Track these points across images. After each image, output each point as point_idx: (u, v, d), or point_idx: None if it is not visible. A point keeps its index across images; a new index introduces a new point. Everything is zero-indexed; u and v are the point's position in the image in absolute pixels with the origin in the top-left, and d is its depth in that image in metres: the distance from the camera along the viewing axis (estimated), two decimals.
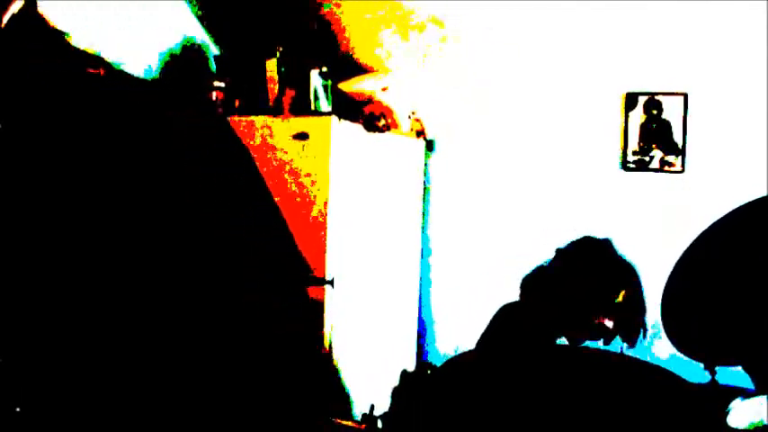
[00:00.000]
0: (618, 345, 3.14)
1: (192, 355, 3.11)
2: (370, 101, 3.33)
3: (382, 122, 3.24)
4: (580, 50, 3.26)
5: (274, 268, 3.04)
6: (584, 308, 2.05)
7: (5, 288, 2.49)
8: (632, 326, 2.08)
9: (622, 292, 2.07)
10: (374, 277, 3.25)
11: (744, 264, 1.52)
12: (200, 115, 3.25)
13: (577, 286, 2.07)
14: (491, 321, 2.19)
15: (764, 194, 1.55)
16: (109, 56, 3.09)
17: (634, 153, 3.19)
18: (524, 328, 2.08)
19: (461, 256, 3.56)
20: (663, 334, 1.69)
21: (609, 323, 2.06)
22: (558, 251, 2.16)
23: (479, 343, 2.18)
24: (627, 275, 2.10)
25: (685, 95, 3.10)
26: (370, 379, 3.15)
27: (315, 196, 2.95)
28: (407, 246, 3.52)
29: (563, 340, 2.20)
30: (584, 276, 2.08)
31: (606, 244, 2.14)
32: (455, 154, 3.57)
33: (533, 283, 2.18)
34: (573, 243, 2.17)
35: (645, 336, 2.08)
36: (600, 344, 2.11)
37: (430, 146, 3.60)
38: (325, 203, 2.93)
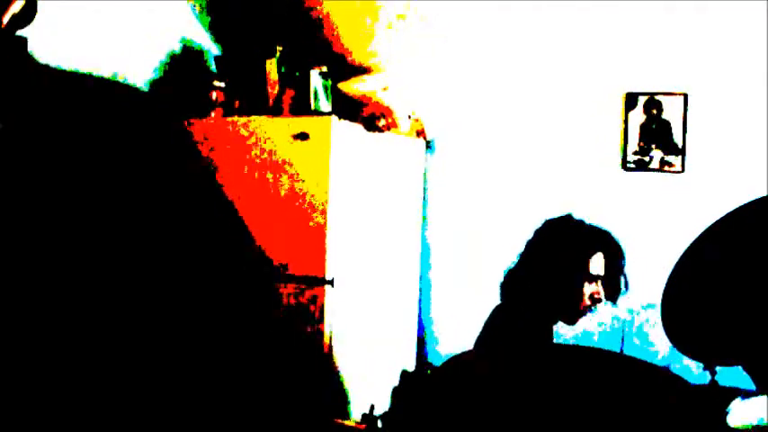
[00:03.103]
0: (618, 345, 3.15)
1: (191, 356, 3.11)
2: (370, 101, 3.33)
3: (382, 122, 3.24)
4: (580, 50, 3.26)
5: (274, 268, 3.04)
6: (563, 281, 2.06)
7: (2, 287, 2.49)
8: (614, 284, 2.10)
9: (596, 254, 2.08)
10: (374, 277, 3.25)
11: (744, 264, 1.52)
12: (198, 116, 3.26)
13: (550, 262, 2.08)
14: (486, 322, 2.20)
15: (764, 194, 1.55)
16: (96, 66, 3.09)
17: (634, 153, 3.19)
18: (518, 325, 2.08)
19: (461, 255, 3.56)
20: (663, 333, 1.69)
21: (592, 288, 2.06)
22: (526, 244, 2.18)
23: (476, 343, 2.19)
24: (595, 238, 2.11)
25: (685, 95, 3.10)
26: (370, 379, 3.15)
27: (315, 196, 2.95)
28: (407, 246, 3.52)
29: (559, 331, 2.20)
30: (552, 251, 2.09)
31: (566, 218, 2.16)
32: (455, 154, 3.56)
33: (512, 282, 2.19)
34: (535, 230, 2.19)
35: (627, 289, 2.09)
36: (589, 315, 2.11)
37: (430, 146, 3.60)
38: (325, 203, 2.93)
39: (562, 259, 2.08)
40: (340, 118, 3.00)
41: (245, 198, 3.09)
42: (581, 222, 2.17)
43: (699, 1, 3.00)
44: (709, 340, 1.60)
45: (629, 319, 3.15)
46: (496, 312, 2.18)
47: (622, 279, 2.13)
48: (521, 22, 3.30)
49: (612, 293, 2.13)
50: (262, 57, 3.28)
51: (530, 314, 2.09)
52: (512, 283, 2.17)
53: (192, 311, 3.14)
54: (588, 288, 2.08)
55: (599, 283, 2.09)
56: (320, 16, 3.49)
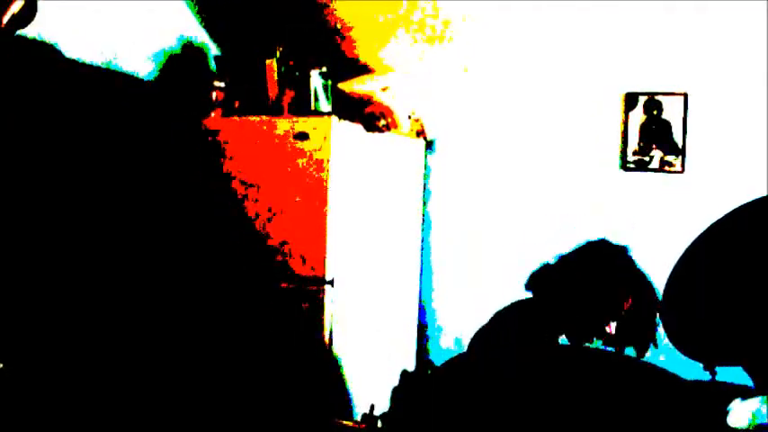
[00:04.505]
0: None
1: (193, 357, 3.11)
2: (370, 101, 3.33)
3: (382, 122, 3.24)
4: (580, 50, 3.26)
5: (274, 268, 3.04)
6: (588, 311, 2.05)
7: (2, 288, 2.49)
8: (642, 337, 2.07)
9: (629, 300, 2.06)
10: (374, 277, 3.25)
11: (744, 264, 1.52)
12: (198, 116, 3.25)
13: (583, 289, 2.07)
14: (491, 320, 2.19)
15: (764, 194, 1.55)
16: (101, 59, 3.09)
17: (634, 153, 3.19)
18: (526, 328, 2.08)
19: (461, 255, 3.56)
20: (663, 334, 1.69)
21: (612, 329, 2.05)
22: (573, 253, 2.15)
23: (476, 338, 2.18)
24: (636, 284, 2.09)
25: (685, 95, 3.10)
26: (370, 379, 3.15)
27: (315, 196, 2.95)
28: (407, 246, 3.52)
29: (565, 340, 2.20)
30: (592, 280, 2.08)
31: (620, 251, 2.13)
32: (455, 154, 3.57)
33: (540, 280, 2.17)
34: (588, 245, 2.16)
35: (655, 346, 2.06)
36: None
37: (430, 146, 3.60)
38: (325, 203, 2.93)
39: (593, 289, 2.05)
40: (340, 118, 3.00)
41: (245, 198, 3.09)
42: (630, 263, 2.12)
43: (699, 1, 3.00)
44: (709, 340, 1.60)
45: None
46: (505, 312, 2.17)
47: (652, 335, 2.07)
48: (521, 21, 3.30)
49: (641, 347, 2.08)
50: (262, 57, 3.28)
51: (541, 322, 2.08)
52: (539, 284, 2.15)
53: (193, 311, 3.14)
54: (607, 326, 2.05)
55: (619, 325, 2.06)
56: (321, 16, 3.49)
